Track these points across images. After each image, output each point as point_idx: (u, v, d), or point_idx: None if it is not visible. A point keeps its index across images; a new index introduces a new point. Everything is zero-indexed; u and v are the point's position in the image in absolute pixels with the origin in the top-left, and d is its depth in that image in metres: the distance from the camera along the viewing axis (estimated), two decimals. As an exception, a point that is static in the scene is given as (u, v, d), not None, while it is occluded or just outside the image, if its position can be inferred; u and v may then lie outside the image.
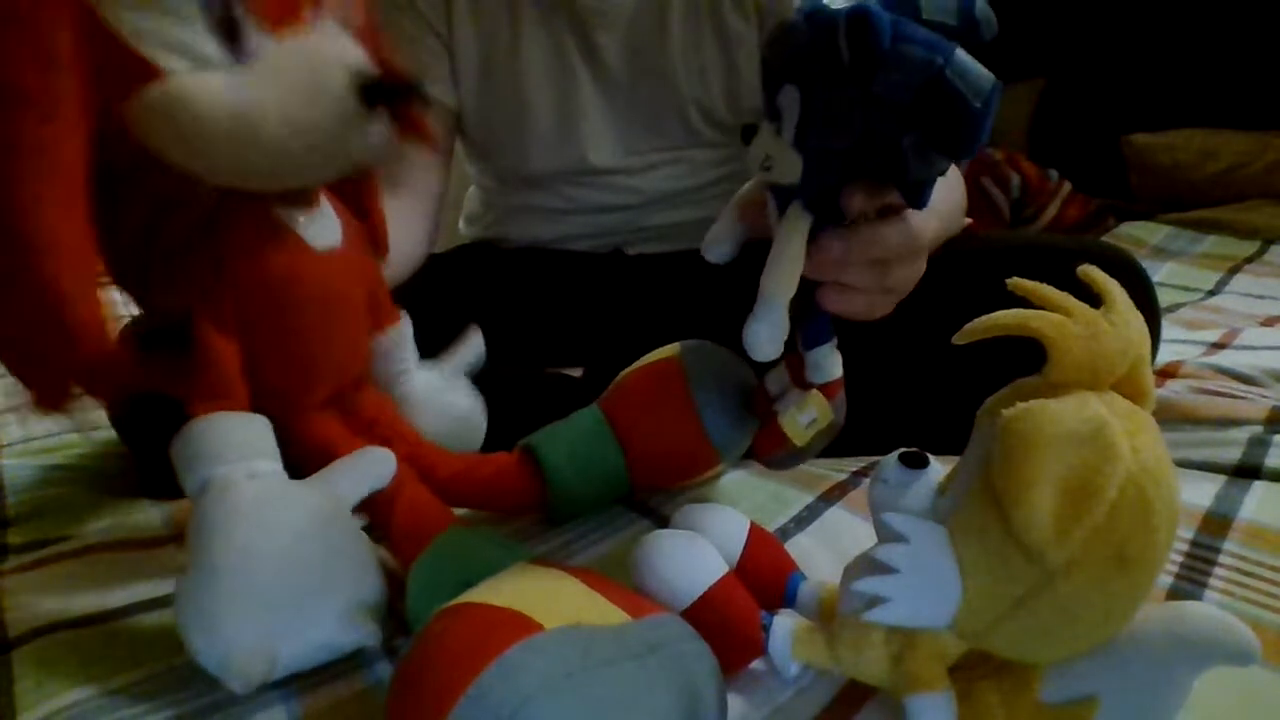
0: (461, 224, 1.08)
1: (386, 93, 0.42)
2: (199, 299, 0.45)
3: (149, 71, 0.38)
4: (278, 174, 0.43)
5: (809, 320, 0.50)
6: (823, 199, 0.45)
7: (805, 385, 0.52)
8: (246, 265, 0.45)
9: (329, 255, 0.48)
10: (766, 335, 0.46)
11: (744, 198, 0.52)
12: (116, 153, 0.39)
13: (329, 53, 0.42)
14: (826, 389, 0.52)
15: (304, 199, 0.47)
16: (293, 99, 0.40)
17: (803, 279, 0.47)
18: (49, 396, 0.41)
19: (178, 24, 0.38)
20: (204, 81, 0.39)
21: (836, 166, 0.44)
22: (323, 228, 0.48)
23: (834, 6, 0.41)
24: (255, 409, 0.46)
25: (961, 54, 0.39)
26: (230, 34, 0.40)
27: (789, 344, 0.49)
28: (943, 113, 0.39)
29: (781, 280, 0.46)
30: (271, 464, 0.45)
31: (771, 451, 0.55)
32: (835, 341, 0.52)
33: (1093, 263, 0.38)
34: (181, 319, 0.44)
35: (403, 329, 0.57)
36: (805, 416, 0.52)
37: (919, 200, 0.46)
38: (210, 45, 0.39)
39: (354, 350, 0.53)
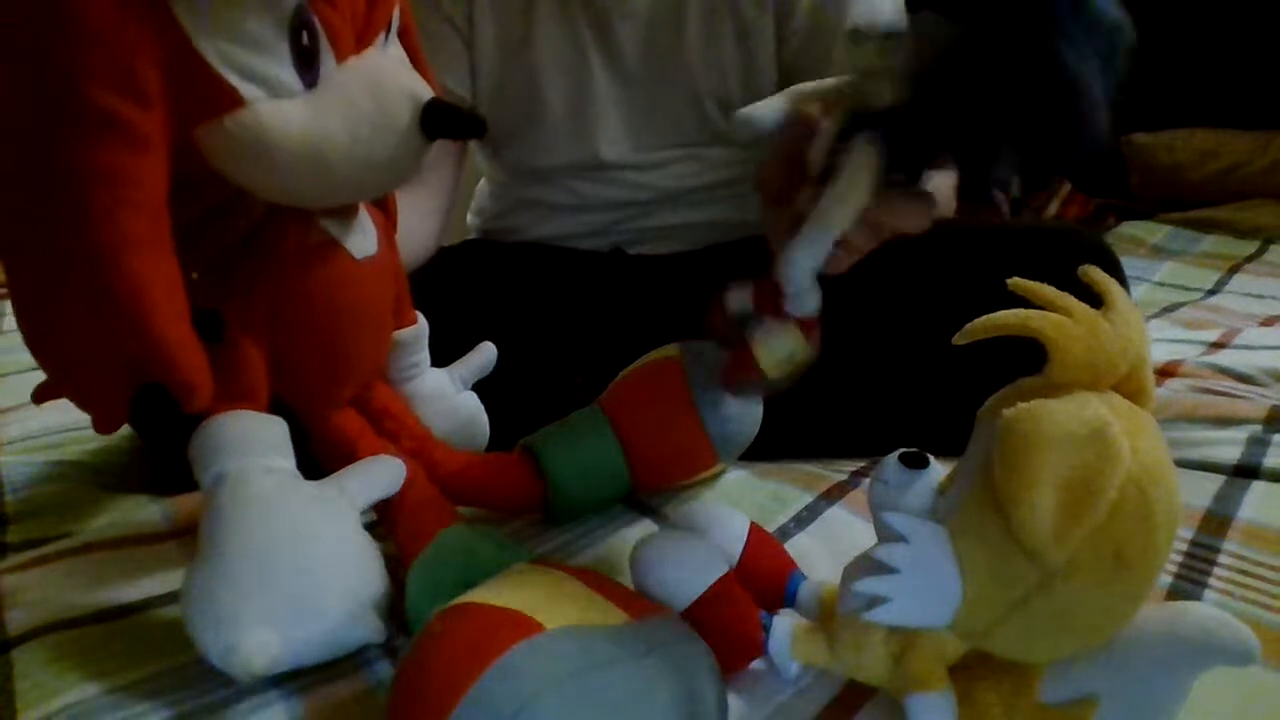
0: (469, 216, 1.08)
1: (448, 125, 0.43)
2: (234, 304, 0.46)
3: (228, 99, 0.38)
4: (338, 195, 0.45)
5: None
6: (899, 145, 0.43)
7: (782, 316, 0.50)
8: (292, 276, 0.46)
9: (367, 263, 0.49)
10: (808, 264, 0.45)
11: (802, 94, 0.49)
12: (176, 162, 0.39)
13: (392, 81, 0.43)
14: (804, 324, 0.51)
15: (347, 210, 0.48)
16: (361, 130, 0.41)
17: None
18: (110, 421, 0.42)
19: (262, 53, 0.38)
20: (280, 111, 0.39)
21: (937, 122, 0.40)
22: (363, 237, 0.49)
23: None
24: (283, 407, 0.47)
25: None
26: (306, 62, 0.40)
27: (765, 270, 0.48)
28: (1055, 127, 0.36)
29: (844, 211, 0.44)
30: (286, 462, 0.45)
31: (739, 377, 0.53)
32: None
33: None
34: (209, 315, 0.44)
35: (418, 328, 0.58)
36: (783, 347, 0.50)
37: (981, 193, 0.43)
38: (288, 73, 0.39)
39: (380, 351, 0.54)
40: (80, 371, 0.40)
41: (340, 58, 0.41)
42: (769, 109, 0.49)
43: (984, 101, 0.38)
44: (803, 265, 0.46)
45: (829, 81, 0.48)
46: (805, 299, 0.49)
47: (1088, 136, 0.37)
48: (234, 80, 0.38)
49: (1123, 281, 0.70)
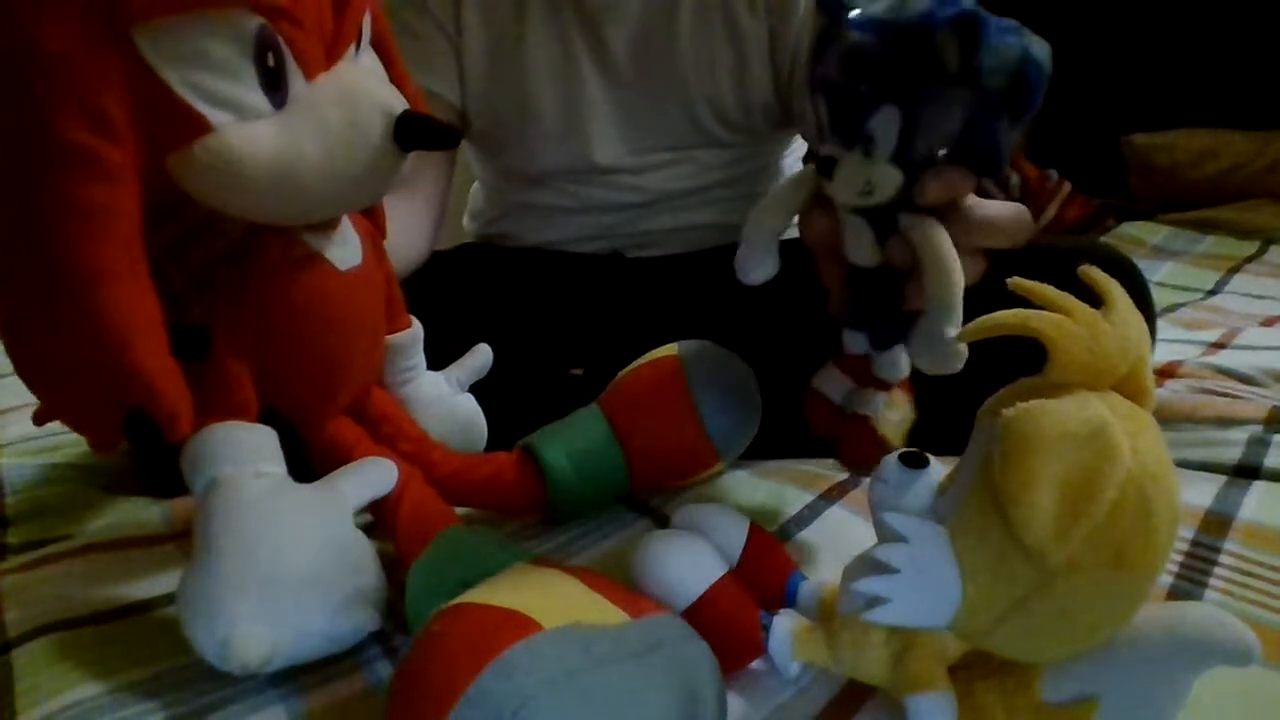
0: (465, 219, 1.08)
1: (422, 137, 0.43)
2: (220, 321, 0.46)
3: (196, 126, 0.38)
4: (315, 213, 0.45)
5: (883, 321, 0.50)
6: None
7: (881, 385, 0.52)
8: (275, 291, 0.46)
9: (352, 274, 0.49)
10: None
11: (770, 213, 0.51)
12: (149, 188, 0.38)
13: (364, 95, 0.42)
14: (903, 385, 0.52)
15: (329, 223, 0.48)
16: (333, 148, 0.41)
17: (867, 278, 0.48)
18: (105, 443, 0.42)
19: (227, 78, 0.38)
20: (249, 134, 0.39)
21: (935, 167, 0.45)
22: (346, 248, 0.48)
23: (877, 13, 0.42)
24: (277, 418, 0.47)
25: (1021, 27, 0.41)
26: (273, 84, 0.40)
27: (841, 346, 0.51)
28: (1027, 88, 0.41)
29: (952, 298, 0.45)
30: (277, 469, 0.45)
31: (867, 456, 0.53)
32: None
33: (1090, 264, 0.38)
34: (195, 331, 0.45)
35: (414, 332, 0.58)
36: (896, 415, 0.52)
37: (1000, 166, 0.46)
38: (256, 96, 0.39)
39: (373, 359, 0.54)
40: (70, 400, 0.40)
41: (309, 75, 0.41)
42: (757, 252, 0.51)
43: (949, 144, 0.44)
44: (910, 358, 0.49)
45: (782, 195, 0.51)
46: (897, 365, 0.51)
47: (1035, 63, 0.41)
48: (201, 106, 0.38)
49: (1146, 298, 0.70)
